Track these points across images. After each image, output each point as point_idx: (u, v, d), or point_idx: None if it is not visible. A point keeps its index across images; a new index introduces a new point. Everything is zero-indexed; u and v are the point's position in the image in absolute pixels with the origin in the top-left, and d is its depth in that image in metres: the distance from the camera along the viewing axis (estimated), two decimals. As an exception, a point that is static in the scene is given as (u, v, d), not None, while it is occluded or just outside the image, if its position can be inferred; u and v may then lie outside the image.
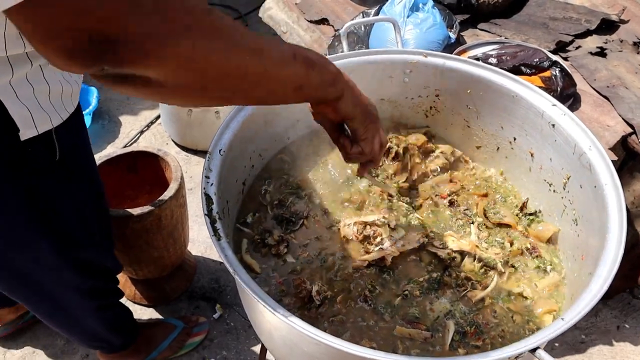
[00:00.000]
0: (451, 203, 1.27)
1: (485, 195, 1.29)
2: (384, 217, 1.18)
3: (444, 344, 1.00)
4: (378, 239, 1.14)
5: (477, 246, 1.15)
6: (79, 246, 1.29)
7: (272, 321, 0.96)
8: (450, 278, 1.11)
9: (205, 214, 0.96)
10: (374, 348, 0.98)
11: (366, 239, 1.15)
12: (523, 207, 1.25)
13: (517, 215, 1.25)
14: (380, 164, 1.29)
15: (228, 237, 0.96)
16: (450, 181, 1.31)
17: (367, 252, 1.13)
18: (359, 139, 0.95)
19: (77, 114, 1.18)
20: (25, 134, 0.97)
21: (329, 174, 1.29)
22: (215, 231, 0.94)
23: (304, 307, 1.05)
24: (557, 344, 1.97)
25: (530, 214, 1.25)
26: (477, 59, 1.82)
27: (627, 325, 2.07)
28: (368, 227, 1.16)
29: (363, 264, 1.11)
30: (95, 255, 1.39)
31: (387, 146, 1.30)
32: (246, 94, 0.76)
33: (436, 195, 1.29)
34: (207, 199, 0.99)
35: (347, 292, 1.07)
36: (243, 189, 1.24)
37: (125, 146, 2.78)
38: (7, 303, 1.87)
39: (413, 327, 1.01)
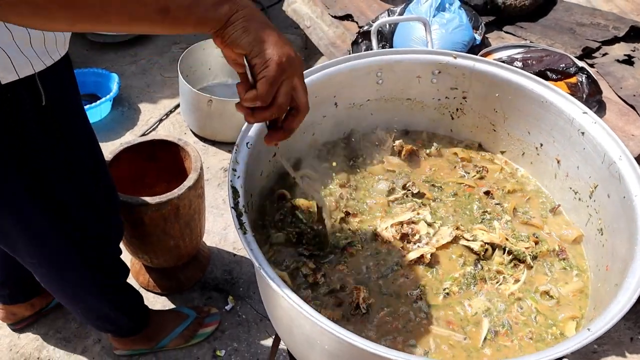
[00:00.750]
0: (487, 193, 1.26)
1: (516, 191, 1.29)
2: (418, 214, 1.18)
3: (477, 342, 1.00)
4: (417, 237, 1.14)
5: (507, 239, 1.14)
6: (71, 211, 1.27)
7: (294, 317, 0.96)
8: (483, 272, 1.11)
9: (232, 207, 0.96)
10: (411, 346, 0.98)
11: (405, 238, 1.15)
12: (554, 210, 1.24)
13: (544, 217, 1.24)
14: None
15: (253, 231, 0.96)
16: (481, 178, 1.31)
17: (407, 252, 1.13)
18: (256, 78, 0.80)
19: (67, 64, 1.17)
20: (6, 77, 0.98)
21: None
22: (241, 225, 0.94)
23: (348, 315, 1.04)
24: (570, 353, 1.95)
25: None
26: (502, 62, 1.80)
27: (640, 337, 2.05)
28: (405, 225, 1.15)
29: (405, 263, 1.11)
30: (89, 223, 1.36)
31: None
32: (100, 16, 0.68)
33: (467, 186, 1.28)
34: (234, 191, 0.99)
35: (395, 297, 1.07)
36: (268, 183, 1.24)
37: (143, 134, 2.80)
38: (22, 298, 1.89)
39: (449, 328, 1.01)
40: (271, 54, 0.78)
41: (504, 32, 2.17)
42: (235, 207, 0.97)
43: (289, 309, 0.88)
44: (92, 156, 1.38)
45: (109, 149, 1.94)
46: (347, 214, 1.22)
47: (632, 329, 2.07)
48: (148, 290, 2.09)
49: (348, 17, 2.30)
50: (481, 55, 1.91)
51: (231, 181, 1.00)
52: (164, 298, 2.09)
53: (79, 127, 1.31)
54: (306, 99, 0.86)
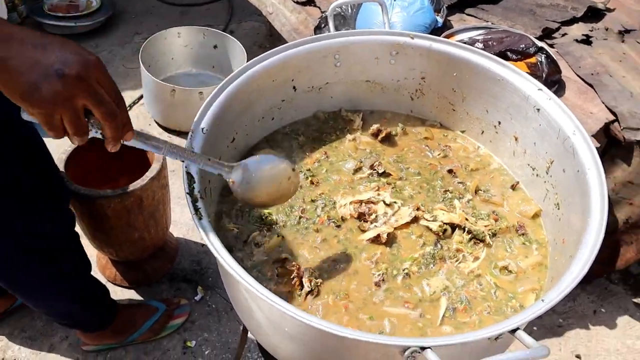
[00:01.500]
0: (450, 171, 1.27)
1: (478, 169, 1.30)
2: (378, 194, 1.18)
3: (435, 319, 1.00)
4: (373, 216, 1.14)
5: (466, 219, 1.15)
6: (10, 206, 1.23)
7: (253, 301, 0.96)
8: (442, 251, 1.11)
9: (187, 193, 0.95)
10: (367, 327, 0.98)
11: (361, 217, 1.15)
12: (514, 187, 1.26)
13: (504, 195, 1.25)
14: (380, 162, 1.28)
15: (210, 217, 0.95)
16: (445, 156, 1.32)
17: (363, 231, 1.13)
18: None
19: None
20: None
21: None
22: (196, 210, 0.92)
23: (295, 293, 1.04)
24: (535, 328, 2.00)
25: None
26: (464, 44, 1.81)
27: (603, 310, 2.11)
28: (363, 204, 1.15)
29: (361, 242, 1.11)
30: (32, 218, 1.31)
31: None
32: None
33: (430, 165, 1.29)
34: (189, 177, 0.97)
35: (352, 275, 1.07)
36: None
37: (106, 126, 2.74)
38: None
39: (406, 307, 1.02)
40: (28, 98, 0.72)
41: (466, 14, 2.18)
42: (190, 193, 0.95)
43: (248, 292, 0.87)
44: (30, 146, 1.33)
45: (69, 142, 1.89)
46: (312, 182, 1.22)
47: (596, 302, 2.13)
48: (115, 284, 2.06)
49: (310, 2, 2.27)
50: (443, 37, 1.91)
51: (186, 167, 0.98)
52: (131, 291, 2.06)
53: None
54: (104, 109, 0.78)
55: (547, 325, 2.02)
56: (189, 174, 0.98)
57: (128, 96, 2.90)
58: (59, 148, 1.74)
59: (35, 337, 1.92)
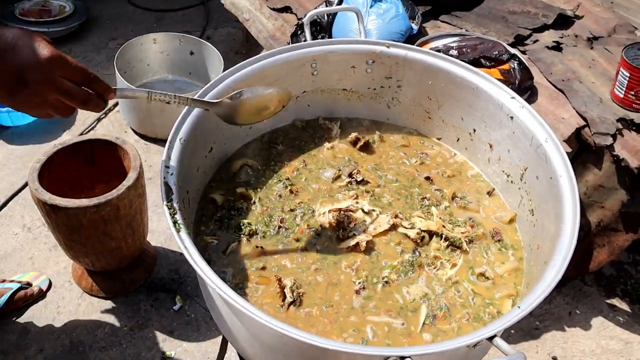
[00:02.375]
0: (427, 178, 1.29)
1: (455, 176, 1.32)
2: (357, 202, 1.19)
3: (415, 327, 1.01)
4: (352, 225, 1.15)
5: (443, 226, 1.17)
6: None
7: (234, 314, 0.95)
8: (421, 258, 1.13)
9: (165, 205, 0.94)
10: (348, 336, 0.98)
11: (340, 225, 1.15)
12: (490, 194, 1.28)
13: (480, 201, 1.27)
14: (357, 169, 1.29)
15: (188, 229, 0.94)
16: (422, 163, 1.34)
17: (342, 239, 1.14)
18: None
19: None
20: None
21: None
22: (175, 223, 0.92)
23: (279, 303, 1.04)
24: (512, 331, 2.03)
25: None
26: (439, 51, 1.84)
27: (578, 312, 2.15)
28: (342, 212, 1.16)
29: (340, 250, 1.12)
30: None
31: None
32: None
33: (408, 172, 1.30)
34: (167, 189, 0.96)
35: (332, 285, 1.07)
36: (205, 179, 1.22)
37: (81, 134, 2.70)
38: None
39: (388, 316, 1.02)
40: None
41: (440, 21, 2.21)
42: (169, 205, 0.95)
43: (226, 302, 0.87)
44: None
45: (44, 149, 1.86)
46: (291, 192, 1.23)
47: (570, 303, 2.17)
48: (92, 294, 2.03)
49: (287, 9, 2.28)
50: (418, 45, 1.94)
51: (164, 178, 0.98)
52: (108, 302, 2.03)
53: None
54: (74, 100, 0.87)
55: (524, 328, 2.05)
56: (166, 185, 0.97)
57: (103, 103, 2.87)
58: (32, 157, 1.71)
59: (9, 350, 1.88)
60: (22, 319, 1.97)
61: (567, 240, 0.95)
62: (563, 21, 2.20)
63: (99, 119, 2.79)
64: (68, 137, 2.67)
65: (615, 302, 2.18)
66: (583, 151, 1.83)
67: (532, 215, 1.16)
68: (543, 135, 1.12)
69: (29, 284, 2.01)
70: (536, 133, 1.14)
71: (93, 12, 3.46)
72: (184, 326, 1.98)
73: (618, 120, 1.77)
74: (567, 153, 1.09)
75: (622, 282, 2.25)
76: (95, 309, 1.99)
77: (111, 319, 1.99)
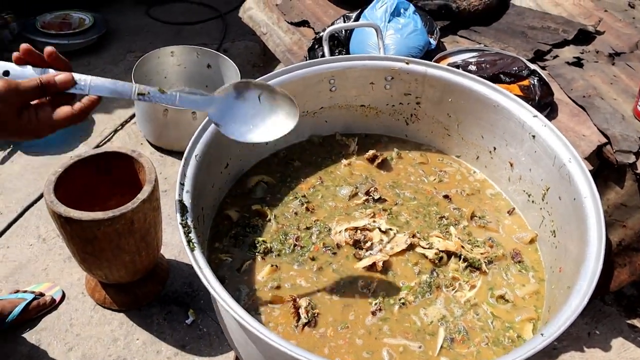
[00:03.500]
0: (446, 197, 1.26)
1: (474, 194, 1.29)
2: (374, 221, 1.17)
3: (433, 351, 0.99)
4: (368, 244, 1.13)
5: (462, 246, 1.14)
6: None
7: (248, 336, 0.93)
8: (439, 279, 1.10)
9: (180, 223, 0.93)
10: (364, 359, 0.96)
11: (357, 244, 1.13)
12: (510, 213, 1.25)
13: (500, 221, 1.24)
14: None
15: (203, 246, 0.93)
16: (440, 181, 1.32)
17: (359, 258, 1.11)
18: None
19: None
20: None
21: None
22: (189, 242, 0.91)
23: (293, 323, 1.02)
24: (530, 351, 1.98)
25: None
26: (457, 66, 1.82)
27: (597, 332, 2.09)
28: (359, 231, 1.14)
29: (357, 270, 1.09)
30: None
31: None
32: None
33: (426, 190, 1.28)
34: (182, 207, 0.95)
35: (346, 306, 1.05)
36: (220, 195, 1.21)
37: (98, 145, 2.71)
38: None
39: (405, 338, 1.00)
40: None
41: (459, 36, 2.19)
42: (183, 224, 0.94)
43: (242, 328, 0.85)
44: None
45: (61, 161, 1.87)
46: (307, 209, 1.21)
47: (590, 324, 2.11)
48: (105, 307, 2.02)
49: (304, 23, 2.28)
50: (436, 60, 1.92)
51: (179, 196, 0.97)
52: (121, 315, 2.02)
53: None
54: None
55: (543, 349, 2.00)
56: (181, 203, 0.96)
57: (120, 115, 2.89)
58: (49, 168, 1.71)
59: (22, 362, 1.88)
60: (35, 330, 1.97)
61: (592, 265, 0.93)
62: (584, 37, 2.17)
63: (115, 130, 2.80)
64: (84, 148, 2.68)
65: (636, 322, 2.12)
66: (604, 169, 1.79)
67: (554, 236, 1.13)
68: (567, 155, 1.10)
69: (42, 294, 2.01)
70: (559, 153, 1.11)
71: (112, 25, 3.50)
72: (197, 340, 1.96)
73: (641, 138, 1.73)
74: (589, 171, 1.06)
75: (643, 303, 2.19)
76: (108, 321, 1.98)
77: (124, 332, 1.98)
